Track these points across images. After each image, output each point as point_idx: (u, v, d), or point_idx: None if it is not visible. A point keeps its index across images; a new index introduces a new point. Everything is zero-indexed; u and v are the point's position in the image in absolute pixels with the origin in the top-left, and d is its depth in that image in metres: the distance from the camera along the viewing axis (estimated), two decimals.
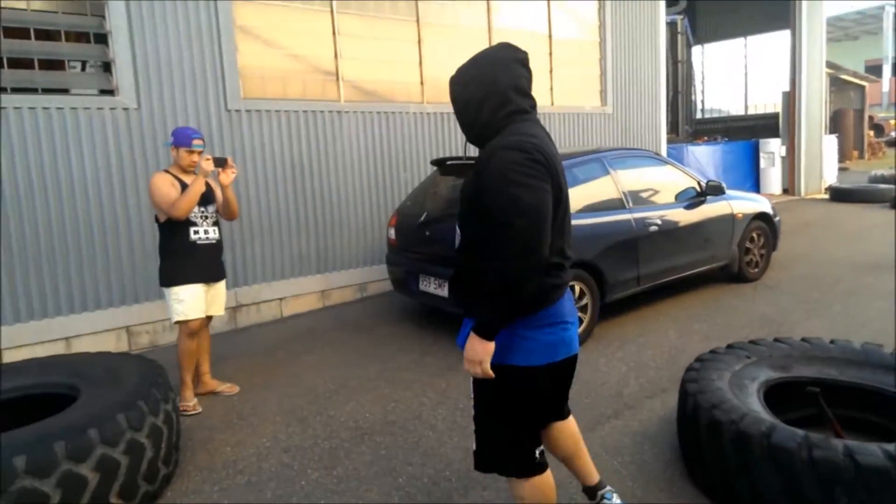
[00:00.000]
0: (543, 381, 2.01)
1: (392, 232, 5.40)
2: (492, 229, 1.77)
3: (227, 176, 3.83)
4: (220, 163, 3.79)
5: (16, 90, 4.56)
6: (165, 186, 3.70)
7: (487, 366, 1.85)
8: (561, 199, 1.90)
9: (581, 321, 4.72)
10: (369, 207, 6.34)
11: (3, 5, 4.52)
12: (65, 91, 4.86)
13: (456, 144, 6.98)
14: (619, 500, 2.45)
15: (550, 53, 7.96)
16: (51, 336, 4.58)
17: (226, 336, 5.31)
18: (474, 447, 2.11)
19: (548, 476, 2.12)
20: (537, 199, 1.77)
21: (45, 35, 4.76)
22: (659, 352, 4.49)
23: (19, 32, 4.62)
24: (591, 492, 2.45)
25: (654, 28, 9.22)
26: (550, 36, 7.94)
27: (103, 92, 4.92)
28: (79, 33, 4.94)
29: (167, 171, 3.82)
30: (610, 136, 8.71)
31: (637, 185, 5.29)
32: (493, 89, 1.93)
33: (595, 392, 3.86)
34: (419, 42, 6.67)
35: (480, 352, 1.82)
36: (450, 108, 6.72)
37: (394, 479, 3.00)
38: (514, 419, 2.03)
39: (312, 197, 5.94)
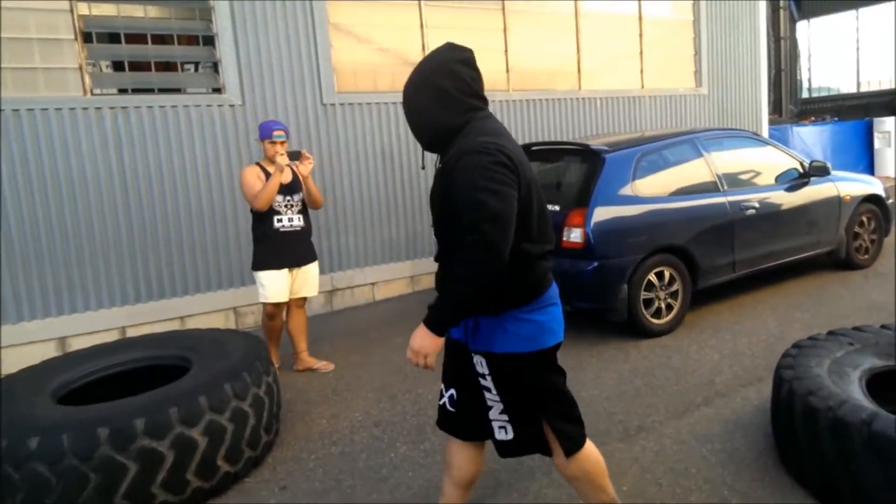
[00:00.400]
0: (555, 361, 2.07)
1: None
2: (459, 233, 1.79)
3: (305, 167, 4.03)
4: (295, 156, 4.00)
5: (136, 91, 5.01)
6: (251, 179, 3.97)
7: (433, 360, 1.86)
8: (532, 190, 1.91)
9: (671, 307, 4.61)
10: None
11: (123, 14, 4.97)
12: (178, 90, 5.27)
13: (542, 131, 6.95)
14: None
15: (641, 35, 7.73)
16: (167, 315, 5.02)
17: (323, 318, 5.59)
18: (510, 436, 2.03)
19: (591, 444, 2.13)
20: (504, 205, 1.77)
21: (160, 39, 5.18)
22: (756, 340, 4.32)
23: (138, 38, 5.06)
24: None
25: (754, 4, 8.72)
26: (640, 17, 7.71)
27: (215, 90, 5.30)
28: (189, 36, 5.33)
29: (258, 164, 4.09)
30: (706, 118, 8.35)
31: (733, 166, 5.07)
32: (440, 93, 1.92)
33: (685, 379, 3.78)
34: (504, 30, 6.68)
35: (430, 346, 1.84)
36: (537, 95, 6.71)
37: None
38: (555, 400, 2.06)
39: (402, 186, 6.11)
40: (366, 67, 5.98)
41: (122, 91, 5.05)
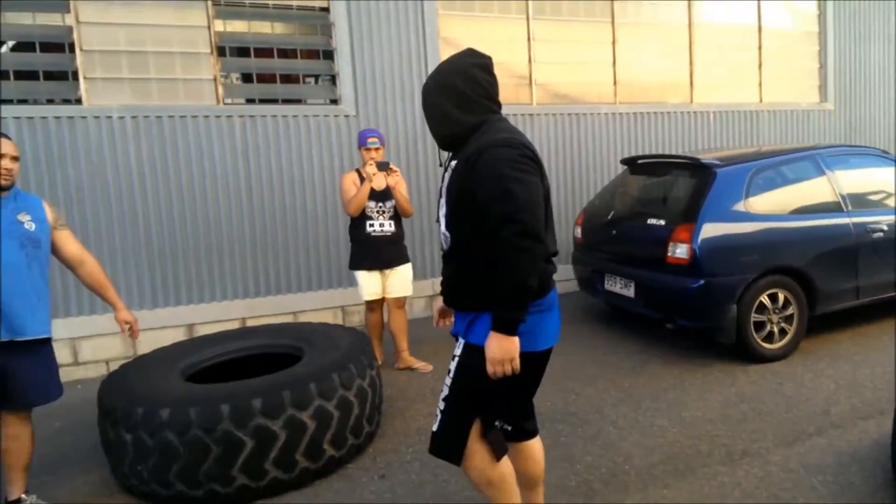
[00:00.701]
0: (541, 364, 2.09)
1: (578, 231, 5.45)
2: (495, 225, 1.80)
3: (391, 178, 4.21)
4: (383, 167, 4.19)
5: (262, 101, 5.42)
6: (347, 185, 4.25)
7: (518, 362, 1.86)
8: (547, 192, 1.95)
9: (786, 332, 4.38)
10: (557, 207, 6.43)
11: (253, 31, 5.40)
12: (299, 101, 5.65)
13: (650, 145, 6.81)
14: None
15: (760, 47, 7.41)
16: (282, 310, 5.36)
17: (425, 321, 5.73)
18: (436, 429, 2.09)
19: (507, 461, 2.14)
20: (534, 193, 1.82)
21: (285, 53, 5.58)
22: (879, 372, 4.02)
23: (265, 52, 5.48)
24: None
25: (888, 13, 8.12)
26: (760, 28, 7.40)
27: (332, 101, 5.63)
28: (311, 50, 5.70)
29: (356, 170, 4.34)
30: (831, 135, 7.85)
31: (859, 186, 4.76)
32: (457, 93, 1.97)
33: (797, 407, 3.58)
34: (613, 42, 6.64)
35: (510, 349, 1.82)
36: (645, 108, 6.62)
37: (571, 465, 3.08)
38: (500, 402, 2.07)
39: None
40: None
41: (250, 101, 5.48)
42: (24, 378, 2.70)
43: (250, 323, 5.15)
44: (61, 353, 3.05)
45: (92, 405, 3.19)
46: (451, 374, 2.06)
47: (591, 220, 5.31)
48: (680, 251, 4.23)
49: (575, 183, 6.52)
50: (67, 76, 4.78)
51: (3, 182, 2.65)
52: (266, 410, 2.78)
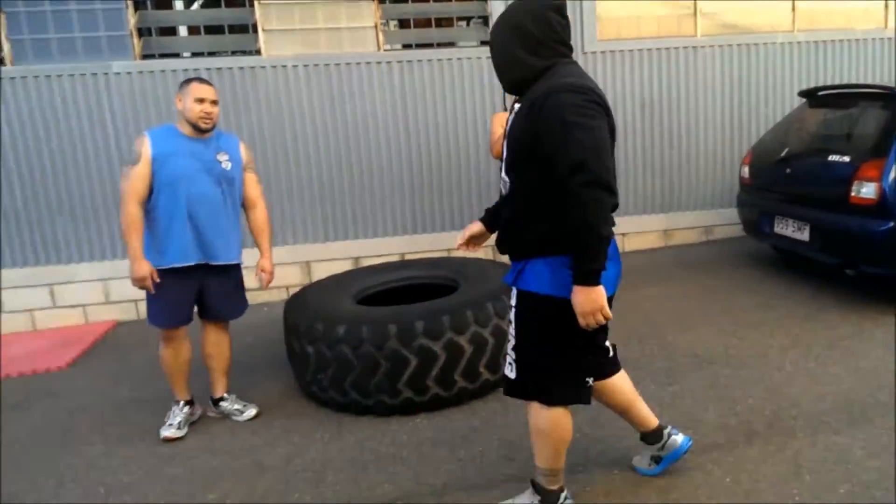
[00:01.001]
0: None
1: (746, 171, 5.09)
2: (563, 174, 1.76)
3: None
4: None
5: (418, 46, 5.58)
6: (495, 125, 4.24)
7: (608, 309, 1.84)
8: (613, 140, 1.89)
9: None
10: (721, 147, 6.05)
11: None
12: (452, 44, 5.74)
13: (831, 75, 6.11)
14: (682, 437, 2.45)
15: None
16: (438, 246, 5.55)
17: None
18: (514, 375, 2.09)
19: (569, 416, 2.12)
20: (600, 139, 1.78)
21: None
22: None
23: None
24: (654, 435, 2.45)
25: None
26: None
27: (483, 43, 5.67)
28: None
29: (507, 110, 4.32)
30: None
31: None
32: (528, 37, 1.91)
33: None
34: None
35: (597, 299, 1.80)
36: (829, 36, 5.92)
37: (730, 405, 3.00)
38: (578, 348, 2.01)
39: (661, 135, 5.91)
40: (631, 14, 5.83)
41: (406, 46, 5.66)
42: (216, 295, 3.17)
43: (409, 257, 5.46)
44: (249, 280, 3.47)
45: (276, 325, 3.61)
46: (513, 324, 2.11)
47: (761, 158, 4.93)
48: (866, 190, 3.84)
49: (742, 120, 6.05)
50: (248, 29, 5.24)
51: (203, 125, 3.00)
52: (428, 332, 2.99)
